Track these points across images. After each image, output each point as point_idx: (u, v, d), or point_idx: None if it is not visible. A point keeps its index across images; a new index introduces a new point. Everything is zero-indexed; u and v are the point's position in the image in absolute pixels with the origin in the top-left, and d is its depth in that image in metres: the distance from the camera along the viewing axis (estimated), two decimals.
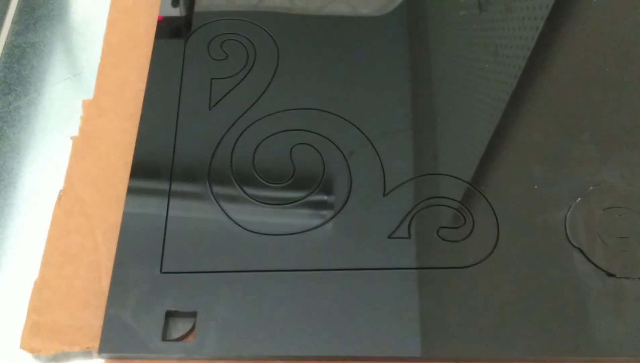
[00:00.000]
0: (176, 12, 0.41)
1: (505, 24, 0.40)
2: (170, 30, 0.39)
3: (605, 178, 0.34)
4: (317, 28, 0.39)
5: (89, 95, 0.37)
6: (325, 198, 0.33)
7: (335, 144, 0.35)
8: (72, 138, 0.35)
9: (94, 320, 0.30)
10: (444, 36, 0.39)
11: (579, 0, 0.41)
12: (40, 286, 0.31)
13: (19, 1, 0.41)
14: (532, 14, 0.40)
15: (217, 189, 0.33)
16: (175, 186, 0.33)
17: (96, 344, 0.29)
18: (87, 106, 0.36)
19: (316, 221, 0.32)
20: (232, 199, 0.33)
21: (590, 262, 0.32)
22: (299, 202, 0.33)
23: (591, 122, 0.36)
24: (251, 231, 0.32)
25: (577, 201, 0.33)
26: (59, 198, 0.33)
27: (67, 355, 0.30)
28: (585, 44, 0.39)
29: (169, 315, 0.29)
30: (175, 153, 0.34)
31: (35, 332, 0.30)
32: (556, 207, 0.33)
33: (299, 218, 0.32)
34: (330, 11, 0.40)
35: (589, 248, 0.32)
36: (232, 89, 0.36)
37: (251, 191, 0.33)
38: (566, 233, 0.32)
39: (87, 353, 0.30)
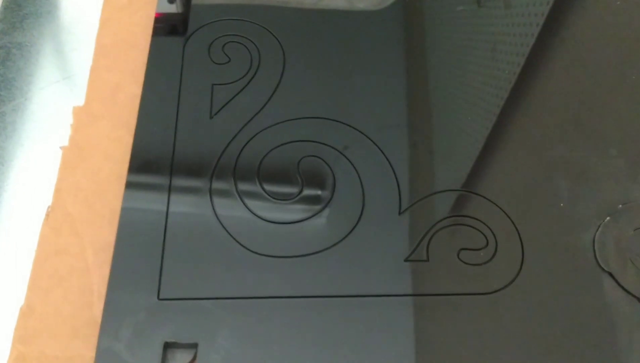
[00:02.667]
0: (174, 9, 0.38)
1: (504, 20, 0.38)
2: (168, 31, 0.36)
3: (635, 195, 0.32)
4: (328, 25, 0.37)
5: (80, 100, 0.34)
6: (336, 216, 0.31)
7: (346, 157, 0.32)
8: (61, 147, 0.32)
9: (85, 350, 0.28)
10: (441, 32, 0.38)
11: None
12: (26, 313, 0.28)
13: None
14: (532, 10, 0.38)
15: (219, 206, 0.30)
16: (174, 203, 0.30)
17: None
18: (78, 112, 0.33)
19: (326, 242, 0.30)
20: (236, 217, 0.30)
21: (621, 287, 0.30)
22: (307, 221, 0.31)
23: (618, 133, 0.34)
24: (257, 253, 0.29)
25: (605, 220, 0.31)
26: (47, 215, 0.30)
27: None
28: (592, 43, 0.37)
29: (168, 346, 0.27)
30: (173, 165, 0.31)
31: None
32: (584, 227, 0.31)
33: (307, 239, 0.30)
34: (329, 6, 0.38)
35: (619, 272, 0.30)
36: (235, 96, 0.34)
37: (256, 208, 0.31)
38: (595, 256, 0.30)
39: None
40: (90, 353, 0.27)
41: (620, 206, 0.32)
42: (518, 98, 0.35)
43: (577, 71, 0.36)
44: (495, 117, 0.34)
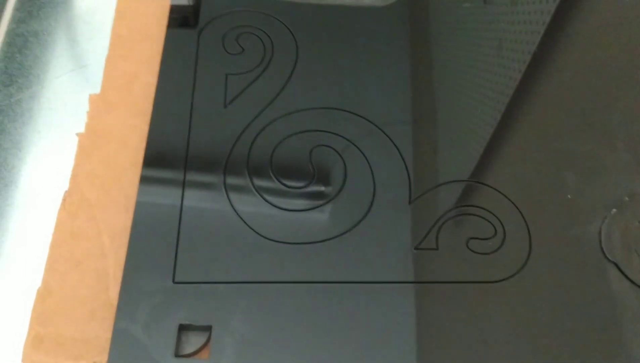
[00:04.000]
0: (185, 1, 0.39)
1: (510, 17, 0.38)
2: (183, 21, 0.37)
3: None
4: (338, 19, 0.37)
5: (96, 89, 0.34)
6: (347, 204, 0.31)
7: (357, 147, 0.33)
8: (77, 134, 0.33)
9: (101, 332, 0.28)
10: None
11: None
12: (43, 295, 0.29)
13: None
14: (539, 8, 0.38)
15: (233, 193, 0.31)
16: (189, 190, 0.31)
17: (103, 359, 0.27)
18: (94, 100, 0.34)
19: (337, 230, 0.30)
20: (249, 204, 0.31)
21: (627, 278, 0.30)
22: (319, 208, 0.31)
23: (625, 127, 0.34)
24: (270, 239, 0.30)
25: (612, 212, 0.32)
26: (64, 200, 0.31)
27: None
28: (598, 40, 0.38)
29: (182, 328, 0.28)
30: (188, 153, 0.32)
31: (38, 344, 0.28)
32: (590, 218, 0.31)
33: (319, 226, 0.30)
34: (331, 1, 0.38)
35: (625, 263, 0.30)
36: (248, 86, 0.34)
37: (269, 196, 0.31)
38: (601, 247, 0.31)
39: None
40: (107, 334, 0.28)
41: (627, 198, 0.32)
42: (526, 93, 0.35)
43: (583, 67, 0.37)
44: (503, 110, 0.35)
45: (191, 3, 0.39)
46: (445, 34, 0.38)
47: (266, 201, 0.31)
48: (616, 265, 0.30)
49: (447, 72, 0.36)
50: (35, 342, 0.28)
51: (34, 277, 0.29)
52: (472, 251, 0.30)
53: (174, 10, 0.37)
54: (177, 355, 0.27)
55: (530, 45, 0.37)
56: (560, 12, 0.38)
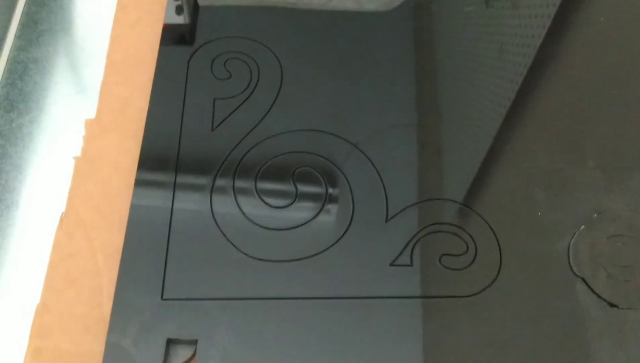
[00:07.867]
0: (180, 20, 0.41)
1: (511, 21, 0.40)
2: (173, 47, 0.39)
3: (610, 205, 0.34)
4: (322, 41, 0.39)
5: (92, 113, 0.36)
6: (327, 223, 0.33)
7: (338, 167, 0.35)
8: (74, 158, 0.35)
9: (96, 345, 0.30)
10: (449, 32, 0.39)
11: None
12: (41, 311, 0.31)
13: (21, 15, 0.41)
14: (539, 12, 0.40)
15: (219, 213, 0.33)
16: (177, 210, 0.33)
17: None
18: (90, 125, 0.36)
19: (318, 248, 0.32)
20: (235, 224, 0.33)
21: (593, 292, 0.31)
22: (300, 227, 0.33)
23: (596, 145, 0.36)
24: (253, 257, 0.32)
25: (580, 228, 0.33)
26: (61, 221, 0.33)
27: None
28: (593, 47, 0.39)
29: (170, 342, 0.29)
30: (177, 175, 0.34)
31: (37, 357, 0.30)
32: (559, 235, 0.33)
33: (300, 244, 0.32)
34: (334, 7, 0.40)
35: (592, 278, 0.32)
36: (235, 110, 0.36)
37: (253, 215, 0.33)
38: (569, 262, 0.32)
39: None
40: (100, 348, 0.29)
41: (595, 215, 0.34)
42: (516, 98, 0.37)
43: (568, 79, 0.38)
44: (478, 130, 0.36)
45: (187, 22, 0.41)
46: (446, 38, 0.39)
47: (250, 220, 0.33)
48: (584, 280, 0.32)
49: (442, 85, 0.38)
50: (35, 355, 0.30)
51: (33, 294, 0.31)
52: (445, 267, 0.32)
53: (168, 34, 0.39)
54: None
55: (531, 49, 0.38)
56: (560, 17, 0.39)
